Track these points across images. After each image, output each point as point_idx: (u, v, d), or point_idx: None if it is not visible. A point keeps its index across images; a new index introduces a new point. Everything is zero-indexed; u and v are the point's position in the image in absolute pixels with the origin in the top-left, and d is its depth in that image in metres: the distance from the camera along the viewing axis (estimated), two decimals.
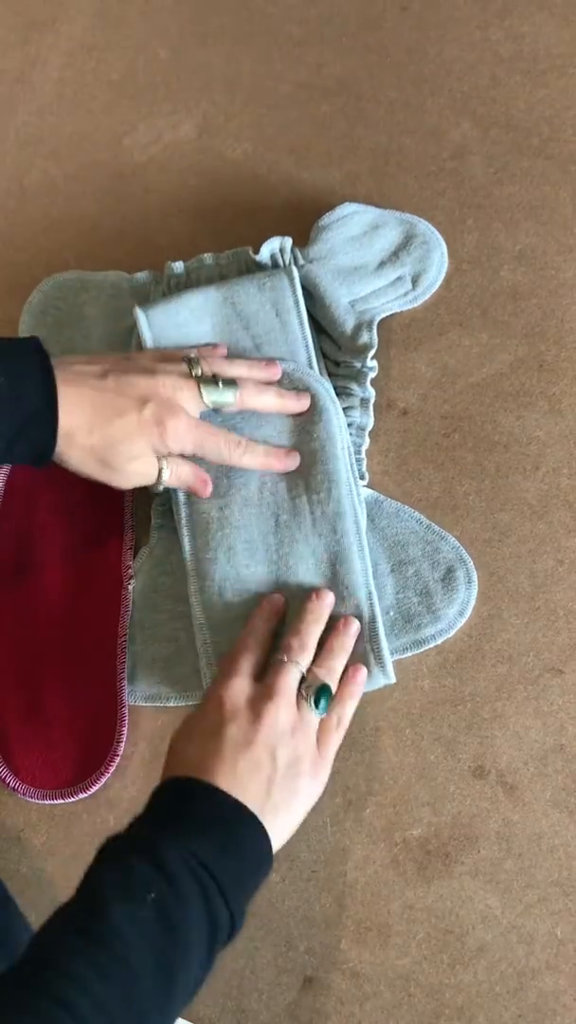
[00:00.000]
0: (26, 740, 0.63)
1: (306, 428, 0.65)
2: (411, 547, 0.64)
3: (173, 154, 0.80)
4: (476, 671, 0.62)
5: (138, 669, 0.64)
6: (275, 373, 0.65)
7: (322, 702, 0.57)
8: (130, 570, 0.66)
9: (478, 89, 0.78)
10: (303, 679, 0.57)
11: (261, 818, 0.51)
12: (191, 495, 0.64)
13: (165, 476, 0.61)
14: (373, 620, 0.61)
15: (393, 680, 0.61)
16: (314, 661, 0.58)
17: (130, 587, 0.65)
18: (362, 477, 0.66)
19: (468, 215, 0.74)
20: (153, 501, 0.67)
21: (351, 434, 0.66)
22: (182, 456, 0.62)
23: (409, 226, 0.72)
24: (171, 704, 0.63)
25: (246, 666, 0.57)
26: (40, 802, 0.62)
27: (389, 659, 0.61)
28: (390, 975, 0.57)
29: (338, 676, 0.59)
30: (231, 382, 0.63)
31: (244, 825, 0.51)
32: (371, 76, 0.80)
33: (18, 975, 0.42)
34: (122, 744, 0.62)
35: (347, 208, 0.72)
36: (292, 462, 0.64)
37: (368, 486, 0.66)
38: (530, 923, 0.57)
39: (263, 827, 0.51)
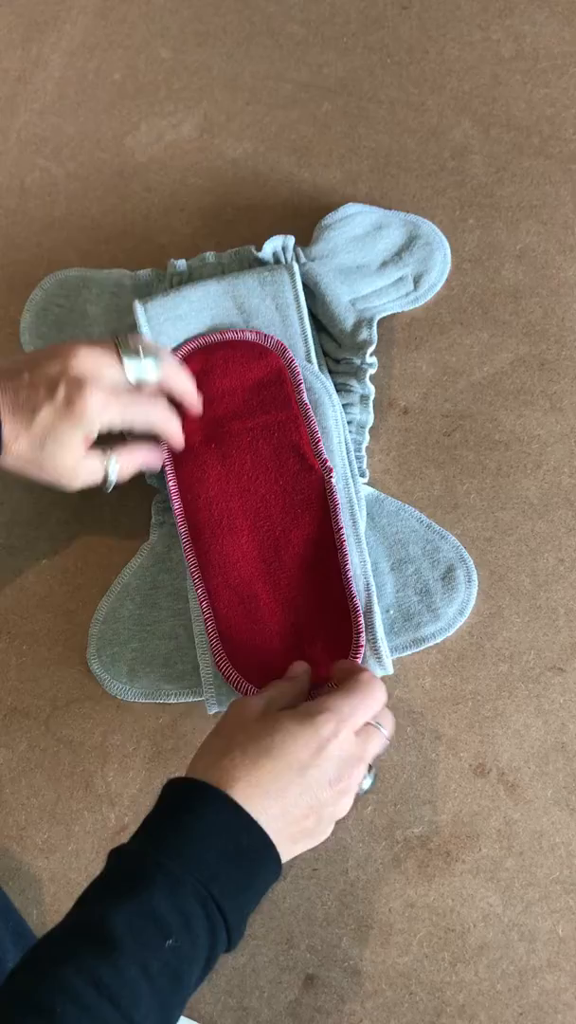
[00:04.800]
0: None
1: None
2: (411, 546, 0.64)
3: (174, 153, 0.80)
4: (477, 669, 0.62)
5: (138, 666, 0.64)
6: None
7: (371, 783, 0.54)
8: (328, 463, 0.64)
9: (479, 88, 0.78)
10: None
11: (280, 849, 0.49)
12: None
13: (112, 472, 0.58)
14: (370, 612, 0.61)
15: (390, 671, 0.60)
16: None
17: (333, 480, 0.63)
18: (363, 475, 0.66)
19: (469, 214, 0.74)
20: (153, 499, 0.67)
21: (351, 431, 0.67)
22: (129, 443, 0.60)
23: (413, 227, 0.72)
24: (171, 701, 0.63)
25: (359, 720, 0.52)
26: None
27: (386, 650, 0.60)
28: (391, 973, 0.57)
29: None
30: (153, 355, 0.59)
31: (265, 866, 0.48)
32: (372, 76, 0.80)
33: (18, 1012, 0.41)
34: (362, 635, 0.60)
35: (350, 208, 0.72)
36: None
37: (369, 484, 0.66)
38: (531, 921, 0.57)
39: (280, 860, 0.49)
